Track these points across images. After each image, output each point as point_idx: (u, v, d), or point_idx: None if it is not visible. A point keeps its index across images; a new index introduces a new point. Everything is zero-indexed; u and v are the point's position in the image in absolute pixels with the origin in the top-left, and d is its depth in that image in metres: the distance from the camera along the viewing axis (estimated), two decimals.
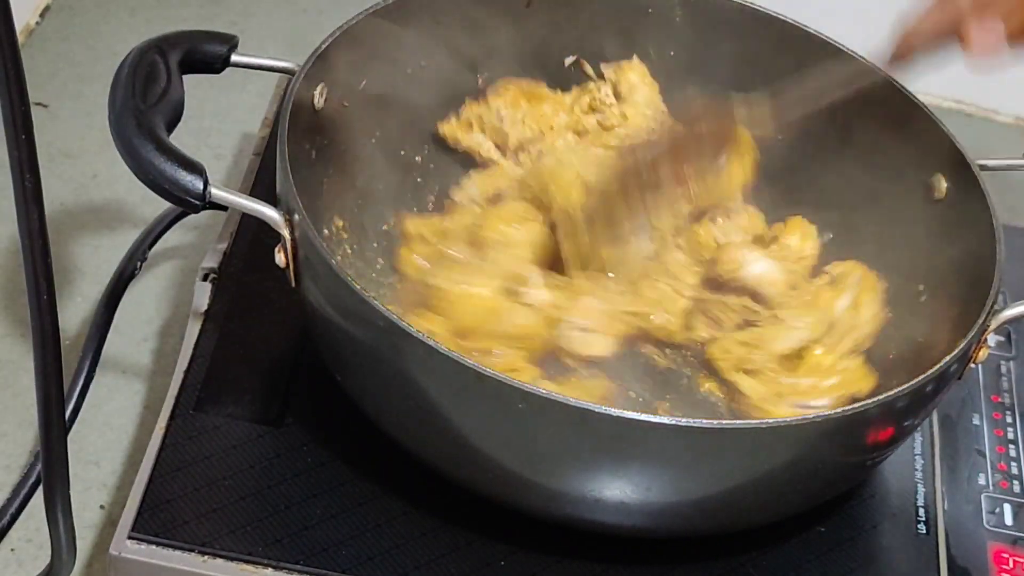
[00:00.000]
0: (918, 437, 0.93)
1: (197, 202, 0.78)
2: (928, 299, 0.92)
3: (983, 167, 0.91)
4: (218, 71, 0.88)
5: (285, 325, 0.92)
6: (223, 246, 0.95)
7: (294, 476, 0.84)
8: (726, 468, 0.77)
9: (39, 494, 0.77)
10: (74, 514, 0.77)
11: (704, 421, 0.75)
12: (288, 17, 1.36)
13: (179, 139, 0.80)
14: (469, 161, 1.01)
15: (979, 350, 0.83)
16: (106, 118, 0.79)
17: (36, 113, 0.67)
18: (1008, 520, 0.91)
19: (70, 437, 0.85)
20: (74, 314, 1.05)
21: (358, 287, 0.76)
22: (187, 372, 0.89)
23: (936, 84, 1.22)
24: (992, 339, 0.90)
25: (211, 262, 0.94)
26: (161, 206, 1.06)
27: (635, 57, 1.01)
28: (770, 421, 0.79)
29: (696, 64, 1.01)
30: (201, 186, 0.77)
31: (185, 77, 0.85)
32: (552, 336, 0.87)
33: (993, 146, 0.89)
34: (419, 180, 1.00)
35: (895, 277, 0.94)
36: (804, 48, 0.98)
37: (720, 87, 1.01)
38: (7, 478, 0.94)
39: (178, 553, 0.80)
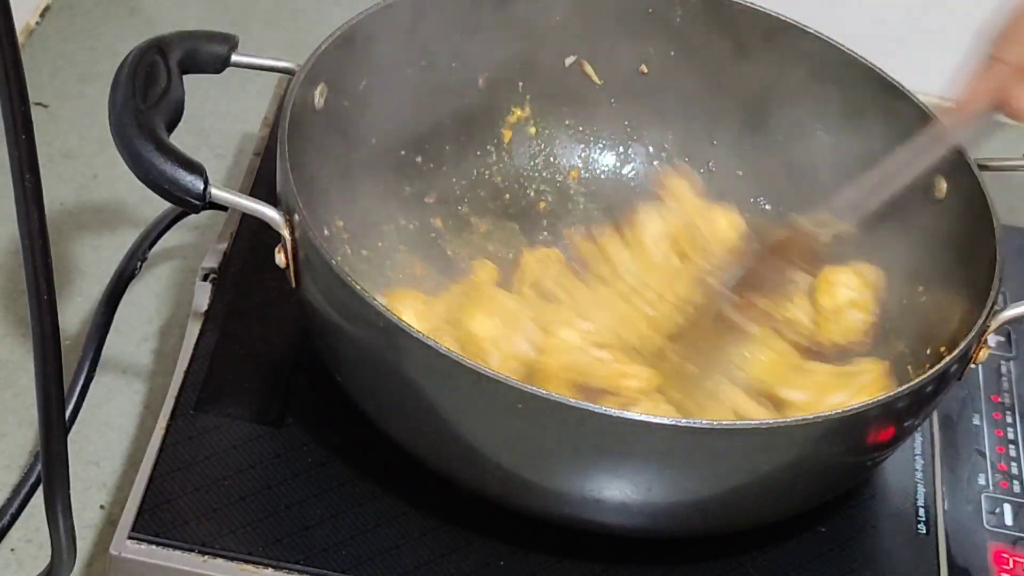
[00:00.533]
0: (918, 437, 0.93)
1: (197, 202, 0.78)
2: (928, 299, 0.92)
3: (983, 167, 0.91)
4: (218, 71, 0.88)
5: (285, 325, 0.92)
6: (223, 246, 0.95)
7: (294, 476, 0.84)
8: (726, 468, 0.77)
9: (39, 494, 0.77)
10: (74, 514, 0.77)
11: (704, 421, 0.75)
12: (288, 17, 1.35)
13: (179, 139, 0.80)
14: (466, 164, 1.02)
15: (979, 350, 0.83)
16: (106, 118, 0.79)
17: (36, 113, 0.67)
18: (1008, 520, 0.91)
19: (70, 437, 0.85)
20: (74, 314, 1.05)
21: (358, 287, 0.76)
22: (187, 372, 0.88)
23: (936, 84, 1.22)
24: (992, 339, 0.90)
25: (211, 262, 0.94)
26: (161, 206, 1.05)
27: None
28: (770, 421, 0.79)
29: (696, 65, 1.01)
30: (201, 186, 0.77)
31: (185, 77, 0.85)
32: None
33: (993, 146, 0.89)
34: (419, 180, 1.00)
35: (895, 277, 0.94)
36: (805, 48, 0.98)
37: (720, 87, 1.01)
38: (7, 478, 0.94)
39: (178, 553, 0.80)
